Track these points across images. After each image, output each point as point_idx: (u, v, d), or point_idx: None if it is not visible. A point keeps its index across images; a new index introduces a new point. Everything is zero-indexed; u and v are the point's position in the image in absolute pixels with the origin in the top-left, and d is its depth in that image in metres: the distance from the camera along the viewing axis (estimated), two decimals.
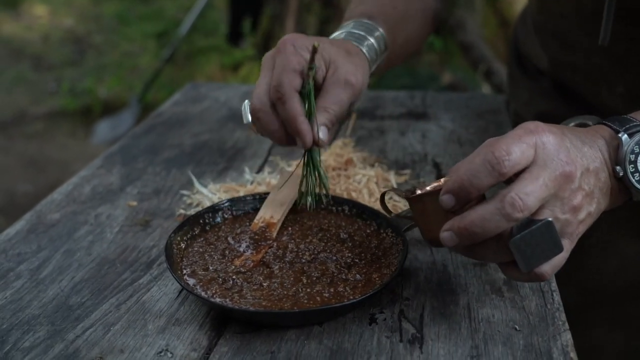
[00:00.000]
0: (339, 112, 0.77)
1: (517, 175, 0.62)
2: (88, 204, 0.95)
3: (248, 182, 1.00)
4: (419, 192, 0.70)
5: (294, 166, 1.01)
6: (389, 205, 0.84)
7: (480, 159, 0.61)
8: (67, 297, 0.74)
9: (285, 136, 0.77)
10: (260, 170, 1.06)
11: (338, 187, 0.93)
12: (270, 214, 0.82)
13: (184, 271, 0.73)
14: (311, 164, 0.78)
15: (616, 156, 0.68)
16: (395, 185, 0.98)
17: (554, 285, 0.76)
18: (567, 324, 0.69)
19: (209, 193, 0.95)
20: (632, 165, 0.67)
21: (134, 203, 0.95)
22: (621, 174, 0.67)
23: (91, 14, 6.28)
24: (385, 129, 1.24)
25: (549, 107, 1.11)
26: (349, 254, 0.75)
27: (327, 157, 1.03)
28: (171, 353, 0.64)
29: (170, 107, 1.38)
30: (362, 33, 0.89)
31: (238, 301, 0.67)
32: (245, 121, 0.78)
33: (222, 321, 0.69)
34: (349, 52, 0.82)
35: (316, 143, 0.76)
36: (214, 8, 5.30)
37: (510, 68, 1.26)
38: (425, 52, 3.89)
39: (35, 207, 0.94)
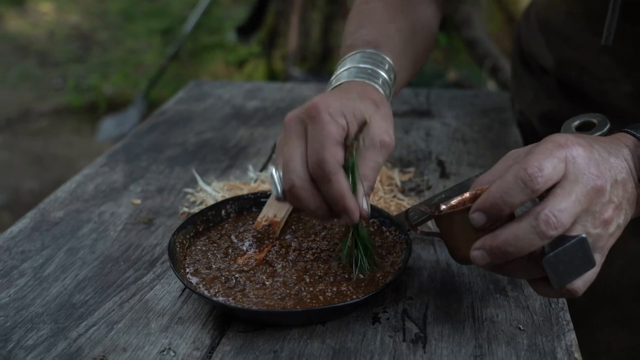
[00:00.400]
0: (375, 177, 0.72)
1: (548, 190, 0.61)
2: (92, 202, 0.95)
3: (252, 180, 1.00)
4: (443, 207, 0.68)
5: None
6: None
7: (512, 176, 0.60)
8: (70, 295, 0.74)
9: (328, 212, 0.69)
10: (264, 168, 1.06)
11: None
12: (274, 212, 0.82)
13: (187, 270, 0.73)
14: (358, 237, 0.72)
15: None
16: (399, 184, 0.97)
17: None
18: (571, 324, 0.69)
19: (213, 191, 0.95)
20: None
21: (138, 201, 0.95)
22: None
23: (96, 10, 6.28)
24: None
25: (554, 107, 1.11)
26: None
27: None
28: (174, 352, 0.64)
29: (174, 105, 1.38)
30: (372, 67, 0.82)
31: (241, 300, 0.67)
32: (275, 194, 0.70)
33: (225, 320, 0.69)
34: (377, 105, 0.75)
35: (363, 217, 0.70)
36: (219, 5, 5.30)
37: (514, 66, 1.25)
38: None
39: (39, 205, 0.94)
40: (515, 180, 0.60)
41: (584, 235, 0.60)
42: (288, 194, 0.69)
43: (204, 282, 0.70)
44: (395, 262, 0.74)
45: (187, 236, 0.78)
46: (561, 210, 0.59)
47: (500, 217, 0.61)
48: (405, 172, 1.03)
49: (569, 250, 0.60)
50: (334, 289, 0.69)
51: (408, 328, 0.68)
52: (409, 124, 1.25)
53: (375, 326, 0.68)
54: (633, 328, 1.12)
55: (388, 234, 0.79)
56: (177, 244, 0.75)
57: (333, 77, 0.83)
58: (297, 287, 0.69)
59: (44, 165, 3.56)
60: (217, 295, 0.68)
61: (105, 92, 4.45)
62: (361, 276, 0.71)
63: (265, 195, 0.86)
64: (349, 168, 0.68)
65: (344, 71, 0.82)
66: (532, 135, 1.17)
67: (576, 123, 0.85)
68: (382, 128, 0.72)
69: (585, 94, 1.05)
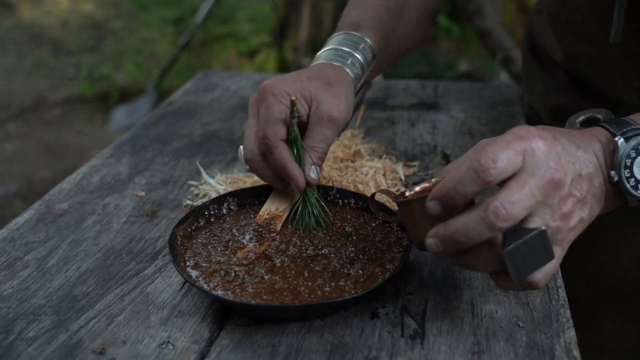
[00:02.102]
0: (325, 149, 0.81)
1: (504, 182, 0.61)
2: (96, 194, 0.96)
3: None
4: (407, 194, 0.70)
5: None
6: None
7: (466, 166, 0.61)
8: (72, 287, 0.74)
9: (280, 180, 0.81)
10: None
11: (345, 180, 0.93)
12: (276, 206, 0.82)
13: (187, 263, 0.73)
14: (307, 203, 0.81)
15: (612, 160, 0.67)
16: (402, 178, 0.97)
17: (560, 281, 0.75)
18: (571, 321, 0.69)
19: (216, 184, 0.95)
20: (628, 170, 0.66)
21: (142, 193, 0.96)
22: (616, 179, 0.66)
23: None
24: (396, 120, 1.23)
25: (563, 100, 1.10)
26: (353, 249, 0.75)
27: (335, 149, 1.03)
28: (172, 345, 0.65)
29: (181, 96, 1.38)
30: (348, 50, 0.90)
31: (239, 294, 0.67)
32: (244, 169, 0.82)
33: (224, 313, 0.69)
34: (330, 83, 0.83)
35: (309, 184, 0.80)
36: None
37: (524, 59, 1.24)
38: (442, 39, 3.85)
39: (44, 196, 0.95)
40: (468, 171, 0.60)
41: (543, 228, 0.60)
42: (248, 165, 0.81)
43: (203, 276, 0.70)
44: (395, 257, 0.74)
45: (189, 229, 0.78)
46: (512, 203, 0.59)
47: (454, 206, 0.62)
48: (410, 166, 1.02)
49: (528, 242, 0.60)
50: (333, 284, 0.69)
51: (407, 323, 0.68)
52: (415, 116, 1.25)
53: (374, 321, 0.68)
54: (639, 324, 1.11)
55: (390, 229, 0.79)
56: (178, 237, 0.76)
57: (319, 51, 0.93)
58: (295, 282, 0.69)
59: (57, 155, 3.59)
60: (216, 288, 0.68)
61: (118, 82, 4.47)
62: (303, 232, 0.79)
63: (268, 188, 0.86)
64: (292, 141, 0.79)
65: (321, 52, 0.92)
66: None
67: (581, 119, 0.84)
68: (332, 104, 0.81)
69: (594, 88, 1.04)
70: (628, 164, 0.66)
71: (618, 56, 0.97)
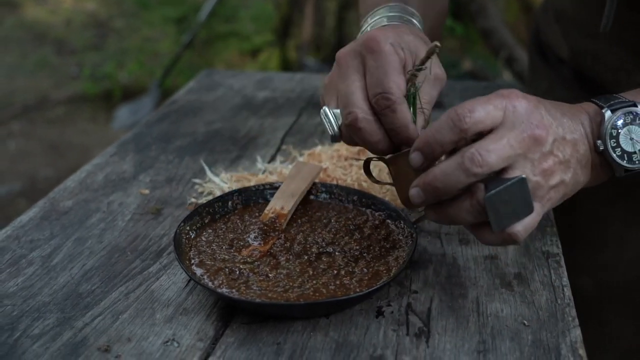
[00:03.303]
0: (430, 109, 0.74)
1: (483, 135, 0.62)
2: (101, 192, 0.96)
3: (260, 172, 1.00)
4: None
5: (306, 156, 1.01)
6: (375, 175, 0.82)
7: (444, 116, 0.63)
8: (77, 285, 0.74)
9: (389, 145, 0.71)
10: (272, 159, 1.06)
11: (349, 178, 0.93)
12: (281, 204, 0.82)
13: (192, 261, 0.73)
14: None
15: (598, 131, 0.68)
16: None
17: (565, 280, 0.75)
18: (577, 320, 0.68)
19: (221, 182, 0.95)
20: (614, 140, 0.68)
21: (146, 191, 0.96)
22: (602, 147, 0.68)
23: None
24: None
25: (569, 96, 1.09)
26: (357, 247, 0.75)
27: (339, 147, 1.03)
28: (177, 342, 0.65)
29: (185, 94, 1.38)
30: (407, 17, 0.82)
31: (244, 292, 0.67)
32: (331, 132, 0.72)
33: (229, 311, 0.69)
34: (425, 41, 0.76)
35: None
36: None
37: (530, 56, 1.24)
38: (446, 38, 3.84)
39: (49, 194, 0.95)
40: (446, 120, 0.62)
41: (523, 176, 0.62)
42: (349, 129, 0.70)
43: (208, 274, 0.70)
44: (400, 256, 0.74)
45: (194, 227, 0.78)
46: (488, 150, 0.61)
47: (434, 156, 0.64)
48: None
49: (509, 189, 0.61)
50: (337, 282, 0.69)
51: (412, 322, 0.68)
52: None
53: (379, 319, 0.68)
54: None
55: (394, 227, 0.79)
56: (183, 235, 0.76)
57: (365, 25, 0.83)
58: (300, 280, 0.69)
59: (60, 153, 3.59)
60: (221, 286, 0.68)
61: (121, 81, 4.47)
62: None
63: (273, 187, 0.86)
64: (410, 99, 0.70)
65: (378, 19, 0.82)
66: None
67: None
68: (435, 63, 0.73)
69: (599, 85, 1.04)
70: (614, 134, 0.67)
71: (621, 52, 0.97)
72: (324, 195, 0.86)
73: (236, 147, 1.11)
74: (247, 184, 0.93)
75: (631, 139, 0.68)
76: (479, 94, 1.38)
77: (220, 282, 0.69)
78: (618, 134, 0.68)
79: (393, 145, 0.71)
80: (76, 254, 0.80)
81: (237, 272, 0.70)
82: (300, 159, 1.01)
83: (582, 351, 0.64)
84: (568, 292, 0.73)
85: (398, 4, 0.83)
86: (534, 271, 0.77)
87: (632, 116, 0.68)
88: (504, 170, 0.62)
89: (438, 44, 0.66)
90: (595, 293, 1.12)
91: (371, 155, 0.74)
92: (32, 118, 4.07)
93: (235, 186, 0.93)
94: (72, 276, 0.76)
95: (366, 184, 0.91)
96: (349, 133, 0.72)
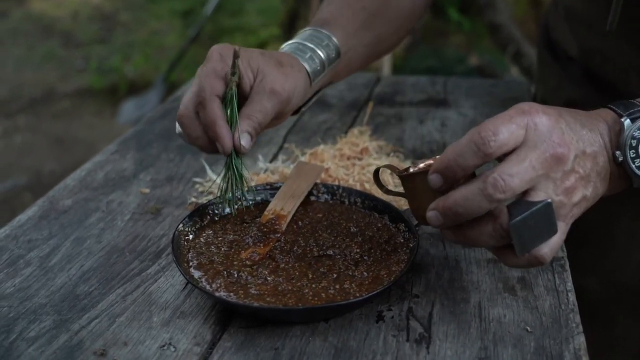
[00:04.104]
0: (262, 120, 0.77)
1: (506, 155, 0.61)
2: (100, 191, 0.95)
3: (261, 171, 0.98)
4: (411, 169, 0.70)
5: (308, 155, 0.99)
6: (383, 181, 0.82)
7: (467, 139, 0.61)
8: (74, 286, 0.73)
9: (209, 143, 0.76)
10: (274, 158, 1.05)
11: (351, 178, 0.91)
12: (282, 206, 0.81)
13: (191, 263, 0.72)
14: (233, 170, 0.77)
15: (617, 141, 0.66)
16: None
17: (570, 285, 0.74)
18: (581, 327, 0.67)
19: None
20: (633, 151, 0.66)
21: (146, 190, 0.95)
22: (621, 159, 0.66)
23: None
24: (404, 116, 1.22)
25: (577, 94, 1.08)
26: (358, 250, 0.74)
27: (342, 146, 1.01)
28: (174, 347, 0.64)
29: None
30: (311, 45, 0.87)
31: (242, 296, 0.66)
32: (177, 131, 0.79)
33: (227, 315, 0.68)
34: (281, 63, 0.81)
35: (237, 149, 0.75)
36: None
37: (539, 52, 1.23)
38: (453, 33, 3.82)
39: (49, 192, 0.94)
40: (468, 143, 0.61)
41: (549, 200, 0.60)
42: (179, 122, 0.77)
43: (206, 276, 0.69)
44: (402, 259, 0.72)
45: (192, 229, 0.77)
46: (511, 175, 0.59)
47: (455, 179, 0.62)
48: (418, 163, 1.00)
49: (534, 214, 0.60)
50: (337, 286, 0.68)
51: (412, 327, 0.67)
52: (424, 113, 1.23)
53: (379, 325, 0.67)
54: None
55: (396, 230, 0.78)
56: (181, 236, 0.75)
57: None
58: (299, 284, 0.68)
59: (66, 147, 3.59)
60: (219, 290, 0.67)
61: (127, 74, 4.47)
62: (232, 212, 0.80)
63: (273, 187, 0.85)
64: (228, 100, 0.75)
65: (284, 45, 0.89)
66: None
67: None
68: (277, 79, 0.78)
69: (609, 83, 1.03)
70: (634, 144, 0.66)
71: (630, 50, 0.96)
72: (325, 196, 0.85)
73: None
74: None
75: None
76: (485, 93, 1.37)
77: (219, 285, 0.68)
78: (638, 144, 0.66)
79: (211, 143, 0.76)
80: (74, 254, 0.80)
81: (236, 275, 0.69)
82: (302, 158, 0.99)
83: (585, 358, 0.63)
84: (572, 297, 0.72)
85: (318, 31, 0.89)
86: (538, 275, 0.75)
87: None
88: (527, 192, 0.61)
89: (237, 49, 0.74)
90: (602, 294, 1.11)
91: (381, 164, 0.73)
92: (38, 112, 4.07)
93: None
94: (69, 277, 0.75)
95: (368, 185, 0.90)
96: (184, 133, 0.78)
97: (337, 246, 0.74)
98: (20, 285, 0.74)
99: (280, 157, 1.04)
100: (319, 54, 0.87)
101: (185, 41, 4.33)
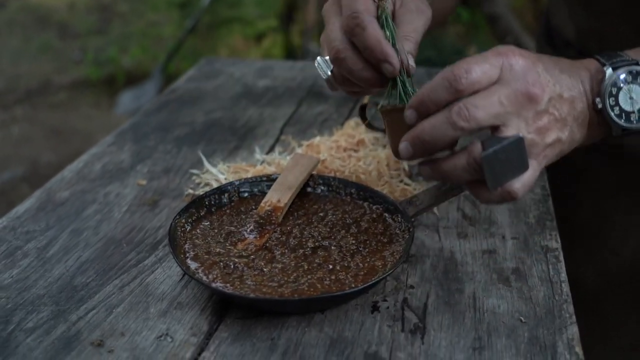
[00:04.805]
0: (418, 39, 0.74)
1: None
2: (97, 182, 0.95)
3: (258, 163, 0.99)
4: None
5: (305, 147, 1.00)
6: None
7: (440, 76, 0.63)
8: (72, 277, 0.74)
9: (373, 74, 0.71)
10: (271, 150, 1.05)
11: (347, 169, 0.92)
12: (278, 197, 0.81)
13: (187, 254, 0.72)
14: (401, 92, 0.72)
15: (598, 89, 0.68)
16: (406, 168, 0.96)
17: (564, 275, 0.74)
18: (574, 317, 0.68)
19: (218, 173, 0.94)
20: (613, 99, 0.68)
21: (144, 182, 0.95)
22: (600, 106, 0.68)
23: None
24: None
25: None
26: (353, 241, 0.74)
27: (338, 138, 1.02)
28: (171, 337, 0.64)
29: (185, 83, 1.37)
30: None
31: (239, 286, 0.66)
32: (324, 76, 0.75)
33: (223, 305, 0.69)
34: None
35: (407, 70, 0.71)
36: None
37: (538, 42, 1.24)
38: (451, 24, 3.81)
39: (45, 184, 0.94)
40: (442, 80, 0.63)
41: (521, 135, 0.63)
42: (335, 64, 0.73)
43: (203, 267, 0.70)
44: (397, 250, 0.73)
45: (189, 220, 0.77)
46: (476, 106, 0.61)
47: (428, 114, 0.64)
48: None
49: (506, 148, 0.62)
50: (333, 277, 0.68)
51: (407, 318, 0.67)
52: None
53: (375, 315, 0.68)
54: None
55: (391, 221, 0.78)
56: (178, 228, 0.75)
57: None
58: (295, 275, 0.68)
59: (63, 138, 3.59)
60: (216, 280, 0.68)
61: (124, 65, 4.46)
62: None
63: (270, 179, 0.85)
64: (382, 21, 0.71)
65: None
66: None
67: None
68: (418, 1, 0.76)
69: None
70: (614, 92, 0.67)
71: (628, 30, 0.96)
72: (321, 187, 0.85)
73: (235, 137, 1.10)
74: (244, 175, 0.92)
75: (631, 98, 0.68)
76: None
77: (215, 276, 0.68)
78: (618, 92, 0.67)
79: (376, 72, 0.71)
80: (72, 245, 0.80)
81: (232, 266, 0.69)
82: (299, 150, 1.00)
83: (578, 349, 0.64)
84: (566, 287, 0.72)
85: None
86: (532, 266, 0.76)
87: (633, 75, 0.68)
88: (497, 128, 0.63)
89: None
90: (597, 285, 1.12)
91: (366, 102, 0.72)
92: (35, 103, 4.06)
93: (232, 177, 0.92)
94: (67, 268, 0.76)
95: (364, 177, 0.90)
96: (338, 72, 0.73)
97: (332, 237, 0.75)
98: (18, 276, 0.74)
99: (277, 148, 1.05)
100: None
101: (182, 32, 4.32)
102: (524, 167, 0.64)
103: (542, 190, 0.93)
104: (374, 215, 0.79)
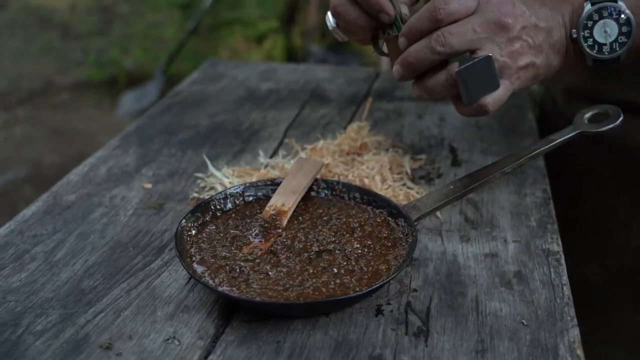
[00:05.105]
0: None
1: None
2: (103, 186, 0.96)
3: (262, 166, 1.00)
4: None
5: (308, 150, 1.01)
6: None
7: (424, 8, 0.75)
8: (79, 281, 0.75)
9: (368, 22, 0.83)
10: (274, 153, 1.06)
11: (351, 173, 0.93)
12: (282, 201, 0.82)
13: (193, 258, 0.73)
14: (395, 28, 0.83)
15: (577, 21, 0.78)
16: (409, 171, 0.97)
17: (565, 278, 0.75)
18: (575, 320, 0.69)
19: (223, 177, 0.95)
20: (588, 31, 0.78)
21: (149, 185, 0.96)
22: (575, 36, 0.78)
23: None
24: (403, 112, 1.23)
25: (574, 80, 1.11)
26: (358, 245, 0.75)
27: (341, 141, 1.03)
28: (178, 340, 0.65)
29: (188, 86, 1.38)
30: None
31: (244, 290, 0.67)
32: (330, 28, 0.87)
33: (229, 309, 0.70)
34: None
35: (402, 17, 0.83)
36: None
37: None
38: None
39: (52, 188, 0.95)
40: (425, 11, 0.75)
41: (489, 54, 0.73)
42: (334, 16, 0.85)
43: (209, 271, 0.71)
44: (400, 254, 0.74)
45: (195, 224, 0.78)
46: (451, 33, 0.73)
47: (415, 41, 0.76)
48: (416, 159, 1.02)
49: (477, 65, 0.73)
50: (337, 281, 0.69)
51: (411, 321, 0.68)
52: (422, 109, 1.24)
53: (379, 318, 0.68)
54: None
55: (395, 225, 0.79)
56: (184, 232, 0.76)
57: None
58: (300, 278, 0.69)
59: (65, 139, 3.60)
60: (222, 284, 0.69)
61: (126, 67, 4.47)
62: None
63: (274, 183, 0.86)
64: None
65: None
66: (555, 110, 1.17)
67: (589, 115, 0.84)
68: None
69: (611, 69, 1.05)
70: (589, 25, 0.77)
71: None
72: (325, 191, 0.86)
73: (239, 141, 1.11)
74: (248, 179, 0.93)
75: (605, 31, 0.78)
76: None
77: (221, 280, 0.69)
78: (593, 25, 0.77)
79: (371, 21, 0.82)
80: (79, 249, 0.81)
81: (238, 270, 0.70)
82: (302, 153, 1.01)
83: (580, 351, 0.64)
84: (567, 291, 0.73)
85: None
86: (534, 269, 0.77)
87: (609, 11, 0.77)
88: (474, 52, 0.74)
89: None
90: (600, 282, 1.14)
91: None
92: (37, 104, 4.07)
93: (237, 181, 0.93)
94: (74, 272, 0.76)
95: (367, 181, 0.91)
96: (340, 23, 0.86)
97: (337, 241, 0.76)
98: (27, 279, 0.75)
99: (281, 152, 1.06)
100: None
101: (184, 33, 4.33)
102: (494, 85, 0.74)
103: (543, 193, 0.94)
104: (378, 220, 0.80)
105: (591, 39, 0.78)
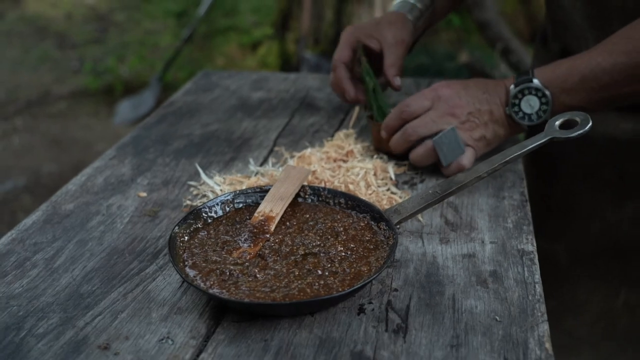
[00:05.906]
0: (400, 64, 1.15)
1: None
2: (100, 195, 1.00)
3: (252, 174, 1.04)
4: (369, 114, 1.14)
5: (297, 158, 1.05)
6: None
7: (394, 109, 1.04)
8: (78, 286, 0.79)
9: (352, 97, 1.19)
10: (264, 161, 1.11)
11: (337, 180, 0.97)
12: (271, 208, 0.86)
13: (186, 263, 0.77)
14: (376, 107, 1.13)
15: (507, 100, 1.00)
16: (393, 177, 1.01)
17: (537, 277, 0.79)
18: (545, 315, 0.73)
19: (215, 184, 1.00)
20: (517, 107, 0.99)
21: (144, 194, 1.00)
22: (508, 112, 1.00)
23: None
24: None
25: None
26: (342, 248, 0.79)
27: (328, 149, 1.07)
28: (172, 340, 0.69)
29: (182, 96, 1.43)
30: (411, 1, 1.22)
31: (234, 292, 0.72)
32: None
33: (220, 310, 0.74)
34: (390, 22, 1.17)
35: (395, 88, 1.15)
36: None
37: (536, 46, 1.32)
38: (443, 30, 3.87)
39: (51, 197, 1.00)
40: (394, 112, 1.04)
41: (454, 126, 0.98)
42: (332, 88, 1.23)
43: (200, 275, 0.75)
44: (382, 256, 0.78)
45: (187, 230, 0.83)
46: (415, 127, 1.00)
47: (393, 133, 1.04)
48: (400, 165, 1.06)
49: (447, 134, 0.97)
50: (322, 282, 0.73)
51: (391, 319, 0.72)
52: None
53: (361, 317, 0.73)
54: (609, 283, 1.21)
55: (377, 228, 0.83)
56: (177, 238, 0.80)
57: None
58: (286, 280, 0.74)
59: (63, 148, 3.64)
60: (213, 287, 0.73)
61: (122, 75, 4.51)
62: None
63: (263, 190, 0.90)
64: (364, 70, 1.15)
65: (395, 4, 1.25)
66: None
67: (559, 122, 0.88)
68: (396, 34, 1.15)
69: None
70: (516, 102, 0.99)
71: (585, 23, 1.05)
72: (311, 197, 0.90)
73: (230, 149, 1.15)
74: (239, 187, 0.97)
75: (530, 104, 0.98)
76: None
77: (212, 282, 0.74)
78: (519, 101, 0.98)
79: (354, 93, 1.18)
80: (77, 256, 0.85)
81: (228, 273, 0.75)
82: (291, 161, 1.05)
83: (548, 345, 0.69)
84: (539, 288, 0.78)
85: None
86: (509, 269, 0.81)
87: (528, 89, 0.97)
88: (436, 133, 0.99)
89: (360, 43, 1.17)
90: (567, 258, 1.23)
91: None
92: (35, 113, 4.11)
93: (227, 189, 0.98)
94: (73, 277, 0.81)
95: (352, 186, 0.95)
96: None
97: (322, 245, 0.80)
98: (28, 285, 0.79)
99: (270, 160, 1.10)
100: (417, 7, 1.22)
101: (179, 41, 4.37)
102: (461, 149, 0.98)
103: (520, 196, 0.98)
104: (361, 224, 0.84)
105: (520, 112, 0.99)
